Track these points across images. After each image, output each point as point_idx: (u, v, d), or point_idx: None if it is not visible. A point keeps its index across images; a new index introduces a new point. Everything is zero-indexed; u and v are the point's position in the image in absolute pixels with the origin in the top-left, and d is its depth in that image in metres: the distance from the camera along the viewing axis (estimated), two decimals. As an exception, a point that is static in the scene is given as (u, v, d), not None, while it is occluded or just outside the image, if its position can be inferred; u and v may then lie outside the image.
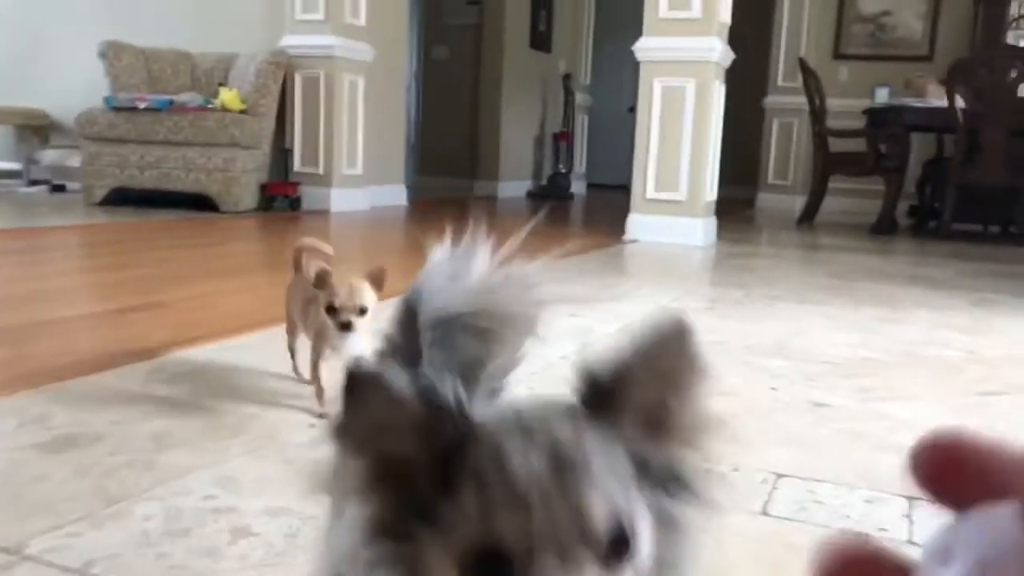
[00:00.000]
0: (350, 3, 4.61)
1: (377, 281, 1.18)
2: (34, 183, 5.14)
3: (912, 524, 0.92)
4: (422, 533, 0.33)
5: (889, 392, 1.47)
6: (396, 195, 5.44)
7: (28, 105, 5.59)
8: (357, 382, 0.33)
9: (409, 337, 0.57)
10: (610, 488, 0.32)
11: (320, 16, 4.53)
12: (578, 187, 7.99)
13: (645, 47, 3.89)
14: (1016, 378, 1.63)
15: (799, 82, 5.59)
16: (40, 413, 1.11)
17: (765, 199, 6.95)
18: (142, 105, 4.16)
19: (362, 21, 4.74)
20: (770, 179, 6.98)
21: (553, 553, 0.31)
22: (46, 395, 1.19)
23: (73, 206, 4.21)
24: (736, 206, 6.60)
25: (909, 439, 0.18)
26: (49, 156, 5.05)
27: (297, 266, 1.36)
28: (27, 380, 1.25)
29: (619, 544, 0.32)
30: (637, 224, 3.96)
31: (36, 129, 5.39)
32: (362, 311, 1.15)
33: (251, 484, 0.93)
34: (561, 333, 1.86)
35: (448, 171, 7.27)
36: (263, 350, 1.51)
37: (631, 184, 4.01)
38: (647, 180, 3.94)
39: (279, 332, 1.62)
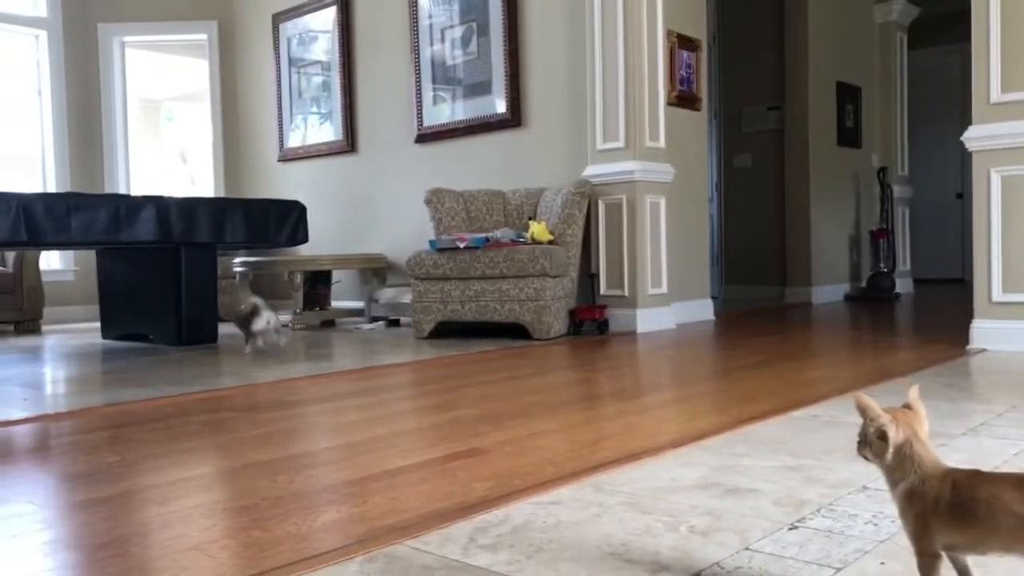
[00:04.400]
0: (650, 128, 4.70)
1: None
2: (374, 319, 5.72)
3: None
4: None
5: None
6: (702, 310, 5.33)
7: (370, 251, 6.31)
8: None
9: None
10: None
11: (620, 144, 4.67)
12: (903, 285, 7.34)
13: (977, 136, 3.50)
14: None
15: None
16: (371, 586, 1.14)
17: None
18: (462, 245, 4.49)
19: (662, 143, 4.80)
20: None
21: None
22: (378, 563, 1.23)
23: (404, 340, 4.60)
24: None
25: None
26: (386, 294, 5.61)
27: None
28: (363, 544, 1.31)
29: None
30: (983, 331, 3.49)
31: (376, 271, 6.04)
32: None
33: None
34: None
35: (756, 279, 7.03)
36: (577, 508, 1.47)
37: (971, 283, 3.57)
38: (992, 281, 3.47)
39: (589, 484, 1.58)
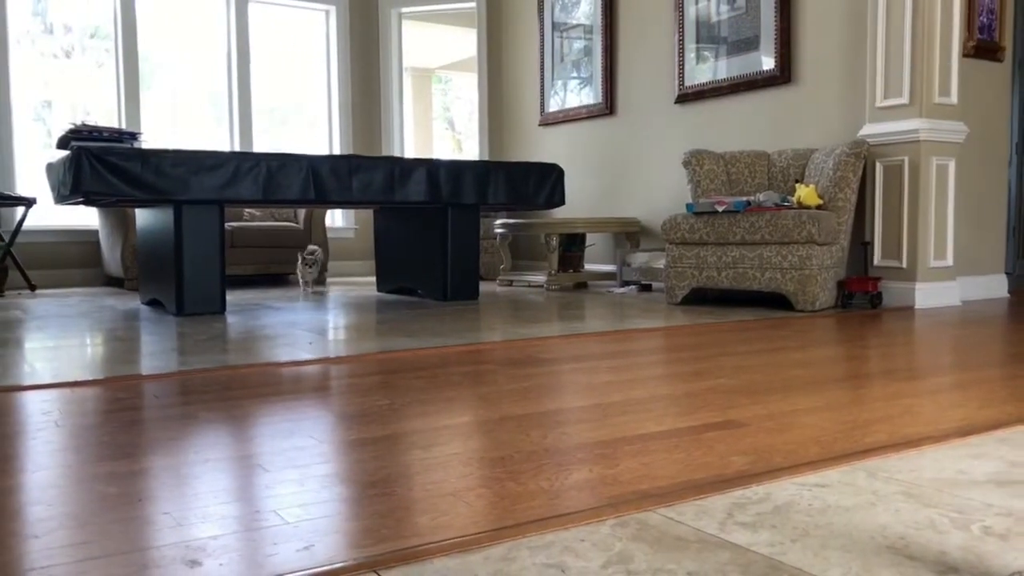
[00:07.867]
0: (940, 82, 4.24)
1: None
2: (626, 283, 5.70)
3: None
4: None
5: None
6: (994, 286, 4.77)
7: (623, 215, 6.28)
8: None
9: None
10: None
11: (904, 100, 4.25)
12: None
13: None
14: None
15: None
16: (622, 552, 1.11)
17: None
18: (721, 208, 4.32)
19: (953, 99, 4.32)
20: None
21: None
22: (630, 529, 1.20)
23: (656, 306, 4.53)
24: None
25: None
26: (639, 259, 5.56)
27: None
28: (615, 508, 1.28)
29: None
30: None
31: (629, 235, 6.00)
32: None
33: None
34: None
35: (1062, 254, 6.18)
36: (847, 493, 1.35)
37: None
38: None
39: (860, 468, 1.44)
